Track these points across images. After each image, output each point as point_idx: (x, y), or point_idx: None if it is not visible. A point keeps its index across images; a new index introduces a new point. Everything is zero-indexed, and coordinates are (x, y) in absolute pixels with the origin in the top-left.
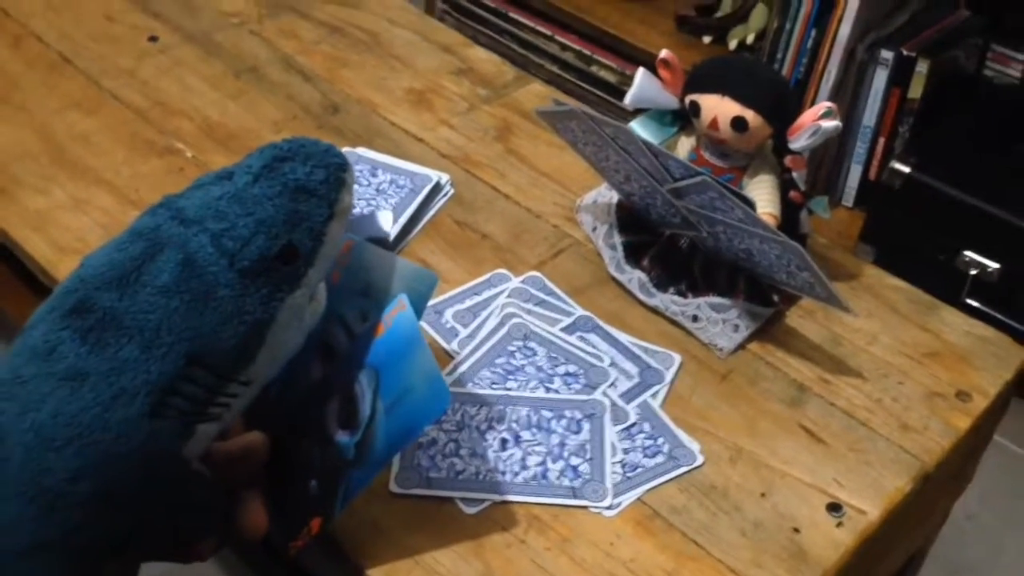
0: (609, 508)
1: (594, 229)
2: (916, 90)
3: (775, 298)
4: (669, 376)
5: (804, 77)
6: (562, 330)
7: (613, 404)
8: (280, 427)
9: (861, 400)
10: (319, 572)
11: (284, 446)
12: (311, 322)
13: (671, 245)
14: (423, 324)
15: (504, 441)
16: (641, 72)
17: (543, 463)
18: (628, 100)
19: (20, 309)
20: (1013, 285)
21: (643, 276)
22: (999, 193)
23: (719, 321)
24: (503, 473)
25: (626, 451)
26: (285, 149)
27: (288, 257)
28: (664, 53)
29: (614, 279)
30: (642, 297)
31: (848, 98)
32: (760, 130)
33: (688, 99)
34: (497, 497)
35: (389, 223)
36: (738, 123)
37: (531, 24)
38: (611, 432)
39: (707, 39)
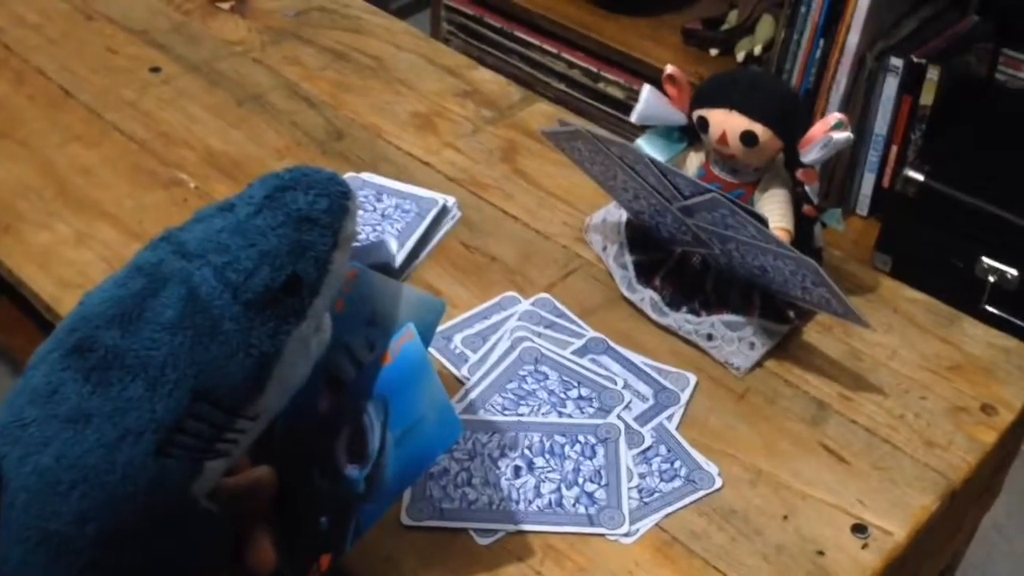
0: (627, 535)
1: (604, 249)
2: (928, 97)
3: (791, 314)
4: (684, 397)
5: (814, 87)
6: (574, 353)
7: (628, 427)
8: (288, 461)
9: (883, 417)
10: None
11: (292, 480)
12: (317, 353)
13: (683, 263)
14: (432, 350)
15: (517, 469)
16: (647, 89)
17: (558, 490)
18: (635, 117)
19: (26, 345)
20: None
21: (655, 295)
22: (1016, 198)
23: (734, 339)
24: (517, 502)
25: (642, 476)
26: (287, 178)
27: (293, 288)
28: (670, 69)
29: (625, 299)
30: (654, 317)
31: (859, 107)
32: (770, 144)
33: (696, 114)
34: (512, 527)
35: (394, 250)
36: (747, 137)
37: (537, 43)
38: (626, 456)
39: (714, 52)
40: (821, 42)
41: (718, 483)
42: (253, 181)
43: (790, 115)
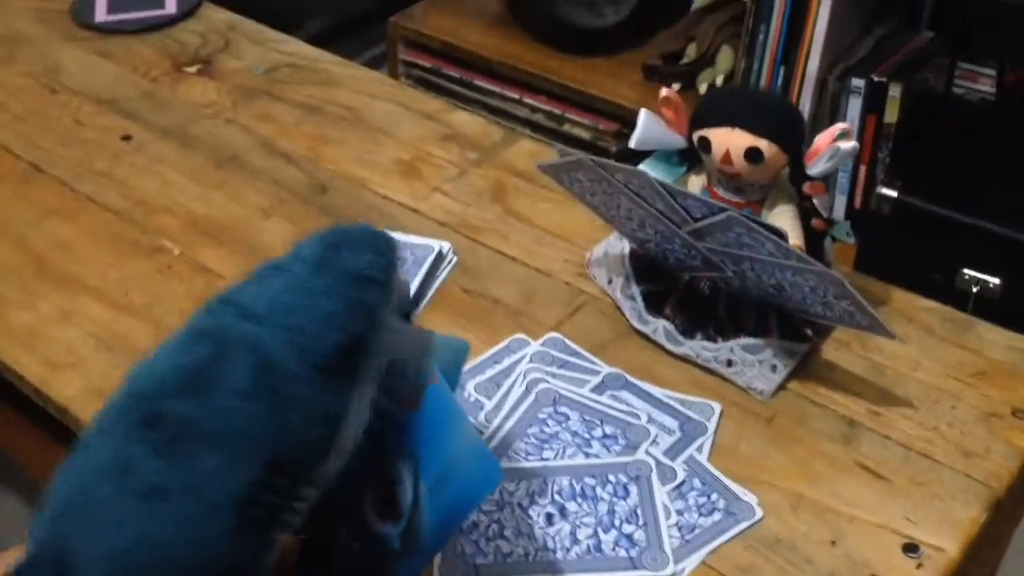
0: None
1: (610, 282)
2: (892, 114)
3: (808, 332)
4: (712, 426)
5: None
6: (592, 390)
7: (658, 463)
8: (313, 525)
9: (916, 430)
10: None
11: (319, 544)
12: (366, 414)
13: (692, 289)
14: None
15: (550, 516)
16: (644, 113)
17: (594, 535)
18: (633, 143)
19: (12, 435)
20: (1017, 298)
21: (668, 324)
22: (990, 207)
23: (755, 363)
24: (554, 551)
25: (680, 512)
26: (340, 235)
27: (358, 350)
28: (665, 91)
29: (637, 331)
30: (670, 347)
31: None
32: (775, 159)
33: (696, 135)
34: None
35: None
36: (752, 154)
37: (498, 90)
38: (661, 493)
39: (676, 86)
40: (782, 69)
41: (759, 513)
42: (300, 240)
43: (793, 128)
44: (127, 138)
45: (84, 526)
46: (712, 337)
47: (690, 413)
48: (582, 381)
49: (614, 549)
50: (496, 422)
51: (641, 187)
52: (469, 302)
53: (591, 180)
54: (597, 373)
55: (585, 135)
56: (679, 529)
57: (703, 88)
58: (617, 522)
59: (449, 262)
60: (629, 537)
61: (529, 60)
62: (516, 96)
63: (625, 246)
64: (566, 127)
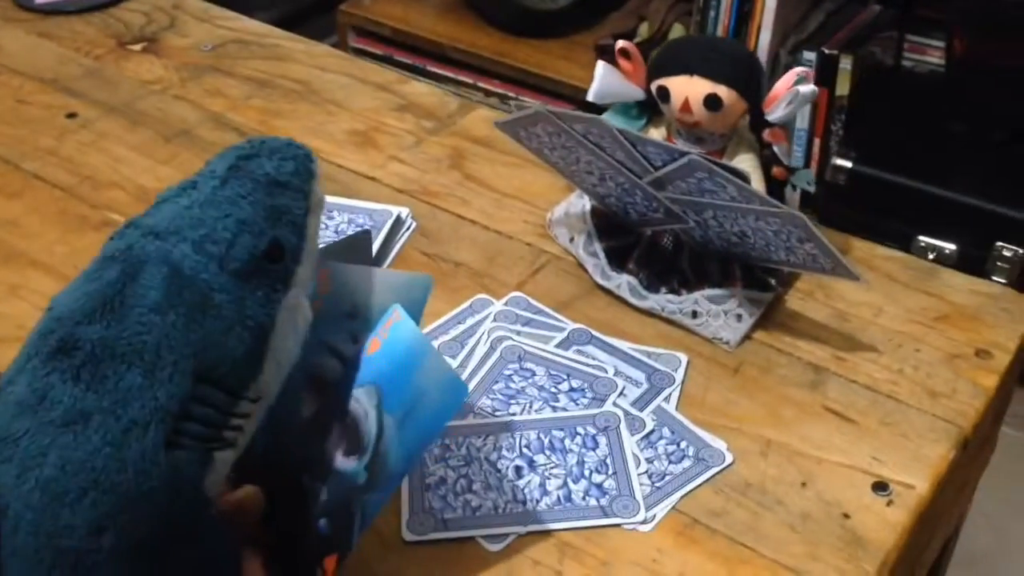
0: (644, 522)
1: (571, 240)
2: (843, 87)
3: (773, 282)
4: (679, 377)
5: None
6: (557, 346)
7: (627, 414)
8: (274, 475)
9: (882, 373)
10: None
11: (281, 493)
12: (303, 331)
13: (655, 244)
14: None
15: (518, 469)
16: (601, 65)
17: (564, 485)
18: (591, 95)
19: None
20: (973, 263)
21: (631, 279)
22: (943, 174)
23: (720, 313)
24: (524, 502)
25: (650, 460)
26: (247, 148)
27: (276, 255)
28: (622, 42)
29: (601, 287)
30: (634, 301)
31: None
32: (735, 106)
33: (655, 85)
34: (522, 528)
35: (371, 245)
36: (711, 101)
37: (451, 75)
38: (630, 443)
39: None
40: None
41: (729, 458)
42: (210, 159)
43: (751, 74)
44: (72, 115)
45: (8, 464)
46: (676, 290)
47: (657, 365)
48: (547, 338)
49: (584, 498)
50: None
51: (601, 137)
52: (430, 265)
53: (549, 134)
54: (562, 330)
55: None
56: (649, 477)
57: None
58: (587, 472)
59: (408, 227)
60: (599, 486)
61: (481, 44)
62: (470, 81)
63: (586, 204)
64: None
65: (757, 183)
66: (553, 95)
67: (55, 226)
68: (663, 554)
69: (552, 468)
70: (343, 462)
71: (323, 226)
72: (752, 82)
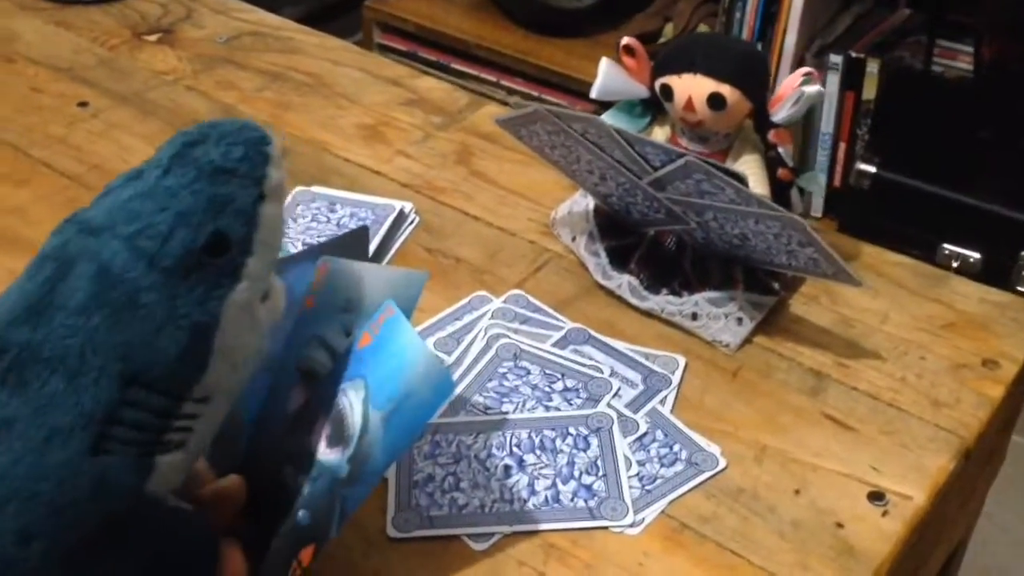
0: (632, 526)
1: (573, 239)
2: (870, 91)
3: (775, 285)
4: (676, 379)
5: None
6: (554, 345)
7: (620, 415)
8: (257, 466)
9: (884, 381)
10: None
11: (264, 485)
12: (268, 321)
13: (657, 244)
14: None
15: (508, 468)
16: (605, 62)
17: (553, 486)
18: (594, 92)
19: None
20: (997, 272)
21: (632, 280)
22: (969, 182)
23: (720, 316)
24: (511, 502)
25: (641, 463)
26: (194, 133)
27: (218, 248)
28: (627, 39)
29: (602, 287)
30: (634, 301)
31: None
32: (739, 106)
33: (658, 83)
34: (507, 528)
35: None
36: (715, 100)
37: (475, 72)
38: (622, 444)
39: None
40: (759, 46)
41: (722, 463)
42: (162, 144)
43: (757, 74)
44: (83, 104)
45: None
46: (677, 291)
47: (654, 367)
48: (544, 336)
49: (572, 500)
50: (455, 377)
51: (599, 136)
52: (431, 261)
53: (549, 132)
54: (560, 328)
55: None
56: (640, 480)
57: None
58: (576, 473)
59: (411, 222)
60: (588, 488)
61: (505, 42)
62: (493, 79)
63: (589, 203)
64: None
65: (760, 185)
66: (576, 95)
67: (62, 214)
68: (649, 558)
69: (542, 468)
70: (326, 454)
71: (324, 219)
72: (757, 81)
